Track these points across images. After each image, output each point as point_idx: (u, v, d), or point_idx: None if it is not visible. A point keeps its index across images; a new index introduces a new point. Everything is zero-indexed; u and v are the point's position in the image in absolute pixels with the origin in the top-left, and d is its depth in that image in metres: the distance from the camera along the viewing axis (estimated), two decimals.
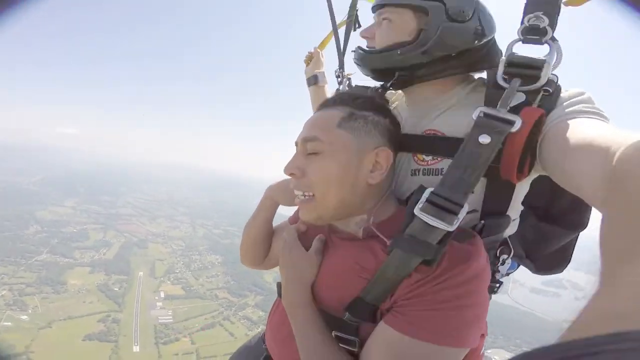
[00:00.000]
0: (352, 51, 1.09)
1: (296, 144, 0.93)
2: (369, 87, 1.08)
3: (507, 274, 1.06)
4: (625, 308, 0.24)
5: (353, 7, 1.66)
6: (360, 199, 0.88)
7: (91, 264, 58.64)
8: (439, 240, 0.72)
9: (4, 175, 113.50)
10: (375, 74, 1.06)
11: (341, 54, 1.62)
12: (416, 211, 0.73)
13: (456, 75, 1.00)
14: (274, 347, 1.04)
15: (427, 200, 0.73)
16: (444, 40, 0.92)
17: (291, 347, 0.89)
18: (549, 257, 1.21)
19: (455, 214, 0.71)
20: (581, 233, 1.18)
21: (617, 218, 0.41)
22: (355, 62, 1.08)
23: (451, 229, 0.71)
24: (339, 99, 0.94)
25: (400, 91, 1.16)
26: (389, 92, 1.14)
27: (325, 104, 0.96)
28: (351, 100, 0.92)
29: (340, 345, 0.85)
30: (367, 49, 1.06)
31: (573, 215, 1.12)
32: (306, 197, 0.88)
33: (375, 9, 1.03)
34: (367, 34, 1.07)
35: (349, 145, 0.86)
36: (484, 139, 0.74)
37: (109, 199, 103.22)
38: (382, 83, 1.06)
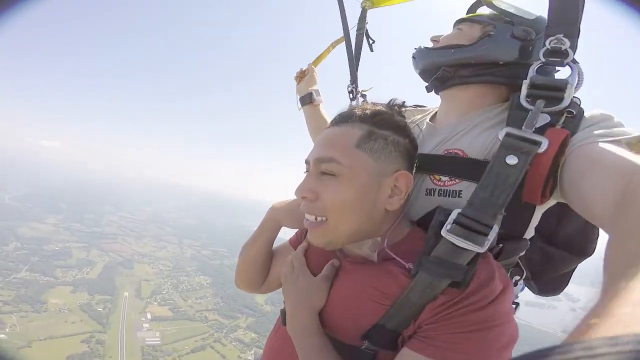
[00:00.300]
0: (414, 48, 1.14)
1: (307, 162, 0.89)
2: (389, 103, 1.02)
3: (517, 297, 1.08)
4: (625, 314, 0.24)
5: (362, 20, 1.61)
6: (376, 225, 0.85)
7: (73, 283, 56.26)
8: (468, 262, 0.72)
9: None
10: (424, 71, 1.10)
11: (354, 68, 1.53)
12: (444, 233, 0.72)
13: (495, 84, 1.01)
14: None
15: (455, 222, 0.72)
16: (497, 50, 0.97)
17: None
18: (553, 280, 1.22)
19: (485, 235, 0.70)
20: None
21: (621, 239, 0.41)
22: (412, 57, 1.14)
23: (482, 250, 0.70)
24: (358, 115, 0.88)
25: (418, 113, 1.22)
26: (408, 110, 1.20)
27: (341, 120, 0.90)
28: (370, 117, 0.87)
29: None
30: (428, 46, 1.12)
31: (579, 242, 1.12)
32: (317, 221, 0.84)
33: (455, 23, 1.12)
34: (436, 38, 1.12)
35: (369, 169, 0.82)
36: (511, 160, 0.74)
37: (92, 217, 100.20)
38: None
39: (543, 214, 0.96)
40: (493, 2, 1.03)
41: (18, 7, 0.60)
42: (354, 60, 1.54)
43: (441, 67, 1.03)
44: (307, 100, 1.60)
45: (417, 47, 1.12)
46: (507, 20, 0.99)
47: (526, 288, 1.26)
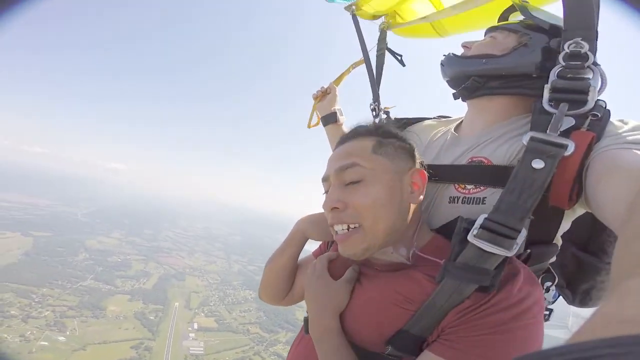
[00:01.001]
0: (443, 55, 1.11)
1: (325, 179, 0.92)
2: (397, 119, 1.10)
3: (552, 303, 1.07)
4: (628, 315, 0.24)
5: (382, 41, 1.66)
6: (406, 223, 0.86)
7: (131, 292, 60.18)
8: (496, 266, 0.71)
9: (62, 205, 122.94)
10: (453, 79, 1.08)
11: (376, 87, 1.56)
12: (470, 238, 0.71)
13: (524, 96, 0.99)
14: None
15: (482, 227, 0.71)
16: (530, 62, 0.94)
17: None
18: (591, 291, 1.17)
19: (514, 238, 0.69)
20: None
21: (628, 239, 0.41)
22: (440, 64, 1.11)
23: (510, 254, 0.69)
24: (363, 131, 0.94)
25: (442, 125, 1.20)
26: (430, 122, 1.25)
27: (349, 137, 0.95)
28: (375, 130, 0.93)
29: None
30: (458, 54, 1.09)
31: (612, 249, 1.05)
32: (351, 229, 0.84)
33: (488, 30, 1.09)
34: (467, 44, 1.09)
35: (389, 168, 0.86)
36: (538, 164, 0.73)
37: (151, 232, 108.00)
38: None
39: (577, 222, 0.94)
40: (529, 10, 1.00)
41: (21, 6, 0.60)
42: (374, 80, 1.58)
43: (471, 76, 1.01)
44: (332, 119, 1.60)
45: (446, 54, 1.09)
46: (544, 29, 0.96)
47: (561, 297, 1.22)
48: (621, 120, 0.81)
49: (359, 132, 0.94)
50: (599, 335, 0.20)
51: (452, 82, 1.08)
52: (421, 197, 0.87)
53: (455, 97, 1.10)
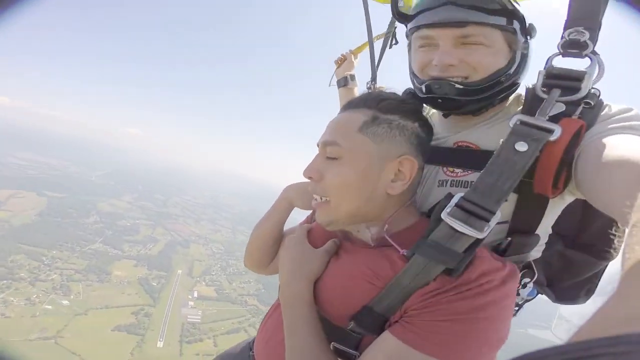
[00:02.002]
0: (432, 86, 0.92)
1: (318, 145, 0.90)
2: (405, 90, 1.02)
3: (527, 301, 1.05)
4: (631, 314, 0.24)
5: (392, 24, 1.67)
6: (377, 209, 0.84)
7: (137, 257, 62.57)
8: (465, 249, 0.69)
9: (75, 166, 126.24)
10: (449, 102, 0.94)
11: (375, 67, 1.61)
12: (443, 215, 0.69)
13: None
14: (263, 352, 0.98)
15: (457, 205, 0.70)
16: (529, 60, 0.93)
17: (282, 353, 0.84)
18: (573, 287, 1.16)
19: (487, 220, 0.67)
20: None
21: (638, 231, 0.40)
22: (451, 96, 0.91)
23: (481, 236, 0.67)
24: (364, 101, 0.88)
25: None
26: None
27: (349, 105, 0.91)
28: (376, 103, 0.86)
29: (338, 359, 0.80)
30: (467, 81, 0.89)
31: (602, 244, 1.08)
32: (322, 200, 0.86)
33: (441, 25, 0.89)
34: (453, 61, 0.88)
35: (370, 152, 0.82)
36: (521, 146, 0.71)
37: (161, 198, 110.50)
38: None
39: (566, 219, 0.95)
40: None
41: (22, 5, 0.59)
42: (375, 60, 1.64)
43: (490, 98, 0.92)
44: (342, 83, 1.76)
45: (440, 82, 0.90)
46: (511, 10, 0.88)
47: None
48: (611, 106, 0.80)
49: (356, 104, 0.89)
50: (599, 334, 0.20)
51: (456, 107, 0.96)
52: (403, 188, 0.83)
53: (447, 116, 1.02)
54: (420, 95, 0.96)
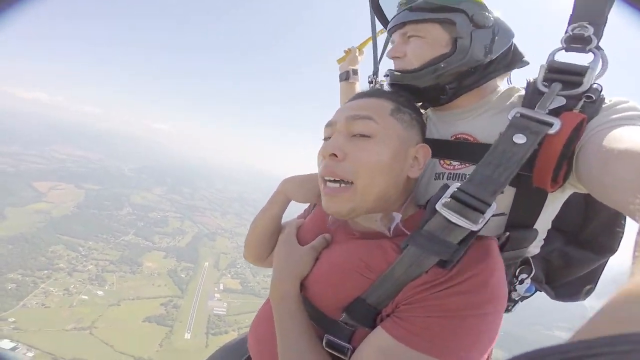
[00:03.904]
0: (385, 75, 1.05)
1: (331, 124, 0.87)
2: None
3: (524, 298, 1.04)
4: (636, 313, 0.24)
5: None
6: (398, 194, 0.84)
7: (166, 249, 64.98)
8: (460, 241, 0.68)
9: (110, 159, 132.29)
10: (421, 92, 0.99)
11: (377, 62, 1.60)
12: (438, 206, 0.69)
13: (495, 79, 0.98)
14: (254, 345, 0.98)
15: (452, 196, 0.69)
16: (480, 47, 0.92)
17: (272, 346, 0.84)
18: (573, 284, 1.16)
19: (482, 212, 0.66)
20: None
21: None
22: (394, 83, 1.01)
23: (475, 228, 0.66)
24: (384, 92, 0.91)
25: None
26: None
27: (370, 94, 0.91)
28: (395, 96, 0.90)
29: (331, 352, 0.79)
30: (405, 69, 0.98)
31: (604, 238, 1.08)
32: (342, 185, 0.80)
33: (395, 28, 1.00)
34: (398, 54, 0.98)
35: (401, 135, 0.83)
36: (519, 139, 0.71)
37: (189, 191, 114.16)
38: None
39: (567, 215, 0.95)
40: None
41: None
42: (377, 55, 1.64)
43: (443, 85, 0.96)
44: (344, 77, 1.77)
45: (388, 73, 1.02)
46: (454, 8, 0.93)
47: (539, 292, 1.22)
48: (610, 98, 0.79)
49: (380, 92, 0.91)
50: (602, 333, 0.20)
51: (419, 96, 1.01)
52: (419, 172, 0.85)
53: (426, 107, 1.06)
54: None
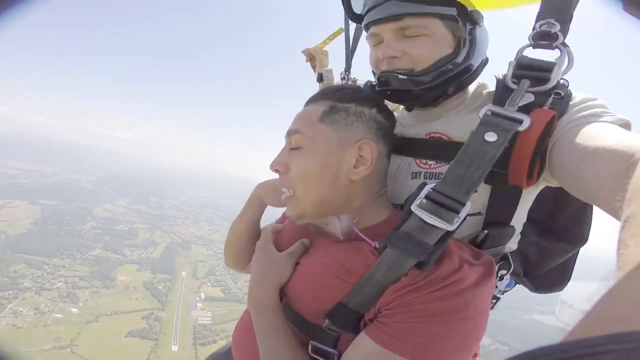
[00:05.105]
0: (380, 79, 0.94)
1: (285, 138, 0.91)
2: (365, 84, 1.05)
3: (504, 292, 1.06)
4: (628, 311, 0.24)
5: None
6: (342, 197, 0.84)
7: (139, 261, 61.54)
8: (436, 241, 0.68)
9: (66, 173, 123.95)
10: (407, 94, 0.93)
11: (349, 58, 1.60)
12: (413, 207, 0.68)
13: None
14: (236, 354, 0.98)
15: (427, 197, 0.69)
16: (481, 45, 0.93)
17: (254, 355, 0.84)
18: (548, 275, 1.18)
19: (457, 212, 0.66)
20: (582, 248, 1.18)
21: (638, 226, 0.39)
22: (396, 87, 0.92)
23: (451, 228, 0.66)
24: (322, 93, 0.92)
25: None
26: None
27: (310, 100, 0.93)
28: (333, 93, 0.89)
29: (317, 358, 0.80)
30: (411, 69, 0.91)
31: (576, 228, 1.10)
32: (289, 194, 0.86)
33: (384, 20, 0.90)
34: (395, 53, 0.90)
35: (330, 139, 0.83)
36: (490, 137, 0.71)
37: (157, 201, 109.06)
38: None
39: (538, 204, 0.95)
40: None
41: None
42: (350, 50, 1.59)
43: (440, 87, 0.91)
44: (319, 79, 1.72)
45: (388, 74, 0.91)
46: (452, 1, 0.89)
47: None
48: (577, 94, 0.81)
49: (316, 97, 0.92)
50: (596, 332, 0.20)
51: (406, 99, 0.97)
52: (365, 172, 0.83)
53: (410, 109, 1.03)
54: (377, 89, 0.97)
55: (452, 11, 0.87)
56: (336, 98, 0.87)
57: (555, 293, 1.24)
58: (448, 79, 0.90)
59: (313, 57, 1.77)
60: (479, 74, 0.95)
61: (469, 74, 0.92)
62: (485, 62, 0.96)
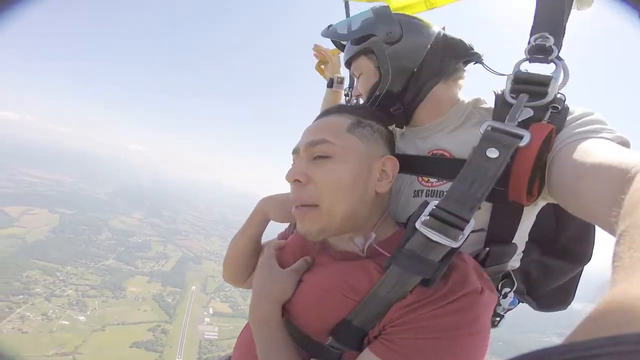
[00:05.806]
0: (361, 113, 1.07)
1: (295, 151, 0.89)
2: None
3: (508, 310, 1.05)
4: (626, 317, 0.24)
5: None
6: (368, 211, 0.84)
7: (150, 273, 61.72)
8: (441, 259, 0.68)
9: (85, 184, 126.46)
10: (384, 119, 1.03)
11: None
12: (418, 225, 0.69)
13: (437, 87, 1.00)
14: None
15: (431, 214, 0.69)
16: (399, 63, 0.97)
17: None
18: (552, 294, 1.17)
19: (461, 229, 0.66)
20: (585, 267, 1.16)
21: (633, 232, 0.39)
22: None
23: (455, 245, 0.66)
24: (343, 108, 0.93)
25: None
26: None
27: (329, 112, 0.93)
28: (355, 109, 0.92)
29: None
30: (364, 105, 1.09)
31: (578, 246, 1.09)
32: (309, 207, 0.82)
33: (346, 64, 1.11)
34: (355, 92, 1.11)
35: (360, 151, 0.83)
36: (492, 153, 0.72)
37: (170, 215, 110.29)
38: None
39: (540, 224, 0.95)
40: (337, 30, 1.08)
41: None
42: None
43: (389, 109, 1.01)
44: (329, 84, 1.67)
45: (366, 110, 0.97)
46: (368, 35, 0.99)
47: (522, 303, 1.22)
48: (575, 109, 0.81)
49: (339, 109, 0.92)
50: (595, 335, 0.20)
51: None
52: (388, 186, 0.85)
53: (399, 126, 1.10)
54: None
55: (370, 45, 0.98)
56: (359, 114, 0.89)
57: (569, 313, 1.14)
58: (387, 100, 1.00)
59: (324, 58, 1.70)
60: (429, 83, 0.98)
61: (411, 88, 0.98)
62: (435, 70, 0.97)
